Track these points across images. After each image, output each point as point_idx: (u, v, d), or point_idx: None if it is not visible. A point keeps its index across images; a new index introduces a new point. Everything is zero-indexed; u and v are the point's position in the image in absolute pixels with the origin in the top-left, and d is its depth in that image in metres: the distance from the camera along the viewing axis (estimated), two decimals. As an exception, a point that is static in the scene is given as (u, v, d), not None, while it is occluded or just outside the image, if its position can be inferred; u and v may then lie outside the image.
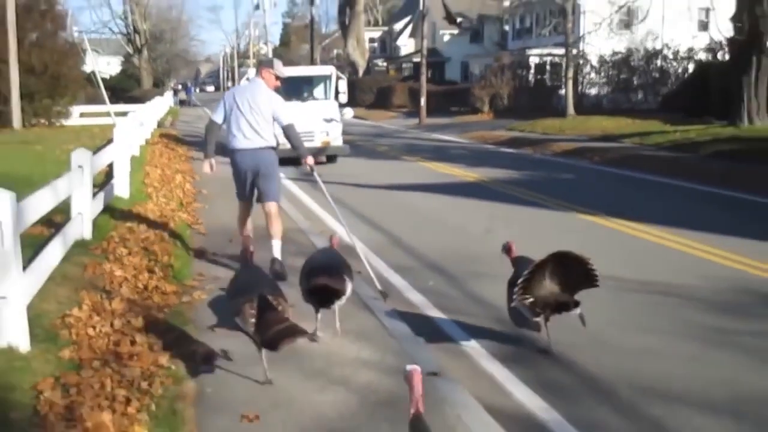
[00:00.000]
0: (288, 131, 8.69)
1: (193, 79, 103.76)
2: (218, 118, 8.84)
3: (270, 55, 52.01)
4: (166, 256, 8.99)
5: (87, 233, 9.27)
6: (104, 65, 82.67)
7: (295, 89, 21.82)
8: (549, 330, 6.31)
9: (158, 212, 11.81)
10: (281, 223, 9.05)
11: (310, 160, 8.91)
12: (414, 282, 8.73)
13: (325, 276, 6.38)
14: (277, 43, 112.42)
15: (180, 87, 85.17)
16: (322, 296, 6.43)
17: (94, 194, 10.21)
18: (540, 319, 6.19)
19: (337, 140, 20.49)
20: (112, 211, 11.17)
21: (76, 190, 8.90)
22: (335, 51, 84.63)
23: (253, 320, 5.44)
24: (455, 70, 64.35)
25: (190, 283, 8.15)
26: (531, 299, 6.01)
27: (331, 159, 20.96)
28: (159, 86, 78.11)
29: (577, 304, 6.10)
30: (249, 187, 8.84)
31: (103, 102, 32.73)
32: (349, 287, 6.49)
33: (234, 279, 6.40)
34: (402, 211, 13.08)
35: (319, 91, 21.94)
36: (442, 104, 46.86)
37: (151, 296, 7.39)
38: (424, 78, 41.75)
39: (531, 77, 45.06)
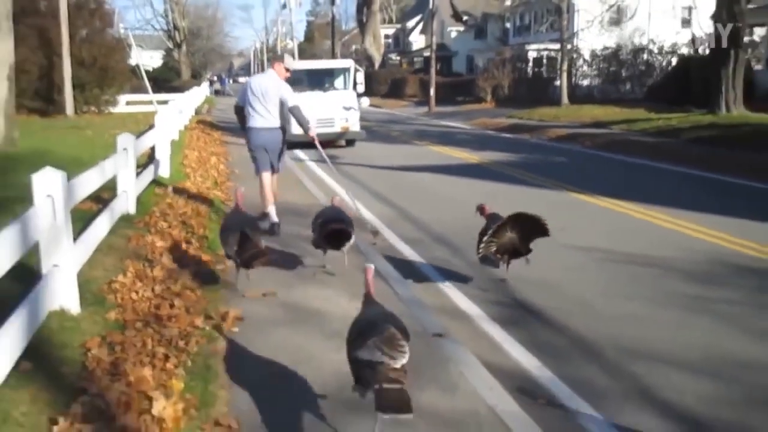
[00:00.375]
0: (293, 111, 9.54)
1: (227, 71, 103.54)
2: (240, 101, 9.85)
3: (295, 50, 51.82)
4: (201, 229, 9.00)
5: (131, 208, 9.30)
6: (147, 59, 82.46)
7: (317, 80, 21.81)
8: (508, 267, 7.25)
9: (195, 190, 11.83)
10: (277, 188, 10.14)
11: (312, 132, 9.80)
12: (422, 252, 8.73)
13: (338, 223, 7.26)
14: (302, 38, 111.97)
15: (215, 78, 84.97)
16: (335, 240, 7.28)
17: (138, 174, 10.23)
18: (501, 261, 7.16)
19: (355, 126, 20.51)
20: (153, 188, 11.21)
21: (121, 170, 8.91)
22: (354, 46, 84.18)
23: (235, 247, 6.68)
24: (461, 63, 63.98)
25: (222, 253, 8.15)
26: (494, 248, 6.98)
27: (350, 143, 20.99)
28: (196, 77, 78.00)
29: (528, 251, 7.02)
30: (265, 157, 9.78)
31: (146, 91, 32.86)
32: (353, 234, 7.39)
33: (224, 218, 7.66)
34: (412, 190, 13.05)
35: (339, 82, 21.92)
36: (450, 94, 46.64)
37: (189, 264, 7.41)
38: (433, 70, 41.52)
39: (529, 70, 44.79)
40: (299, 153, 19.25)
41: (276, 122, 9.67)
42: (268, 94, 9.50)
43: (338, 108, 20.25)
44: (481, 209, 7.76)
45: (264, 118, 9.56)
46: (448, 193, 12.02)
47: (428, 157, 18.61)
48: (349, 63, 22.14)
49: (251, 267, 6.62)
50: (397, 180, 14.48)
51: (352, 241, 7.37)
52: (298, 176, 14.33)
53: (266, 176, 9.81)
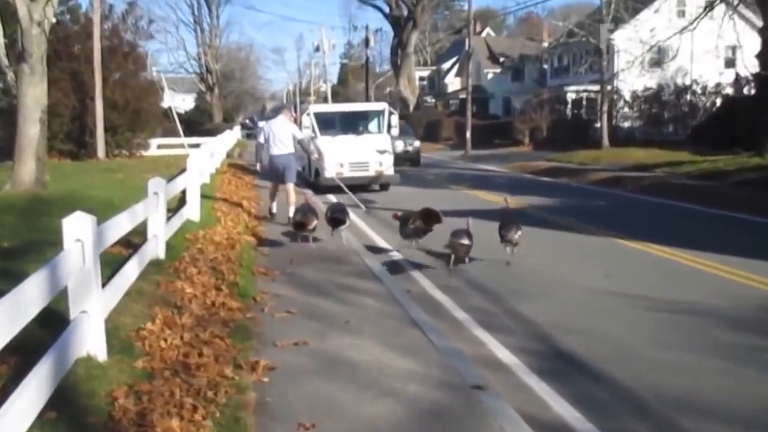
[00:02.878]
0: (300, 143, 14.77)
1: (259, 114, 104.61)
2: (261, 140, 14.75)
3: (329, 92, 52.42)
4: (232, 275, 9.02)
5: (161, 253, 9.35)
6: (180, 101, 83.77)
7: (351, 123, 22.02)
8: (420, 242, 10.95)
9: (225, 235, 11.88)
10: (294, 196, 14.32)
11: (313, 156, 17.04)
12: (459, 300, 8.66)
13: (339, 213, 11.96)
14: (336, 81, 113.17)
15: (248, 121, 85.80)
16: (337, 222, 11.83)
17: (168, 218, 10.32)
18: (412, 235, 11.31)
19: (389, 170, 20.67)
20: (184, 233, 11.27)
21: (151, 215, 8.99)
22: (388, 88, 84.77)
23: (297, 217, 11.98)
24: (498, 105, 64.11)
25: (253, 300, 8.17)
26: (412, 227, 11.07)
27: (384, 187, 21.03)
28: (228, 120, 79.01)
29: (427, 231, 11.16)
30: (279, 175, 14.37)
31: (178, 134, 33.34)
32: (348, 220, 11.99)
33: (298, 208, 12.53)
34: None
35: (373, 125, 22.13)
36: (486, 137, 46.68)
37: (218, 312, 7.40)
38: (469, 113, 41.69)
39: (568, 111, 44.74)
40: (332, 198, 19.34)
41: (289, 150, 14.30)
42: (282, 132, 14.21)
43: (372, 151, 20.46)
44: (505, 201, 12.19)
45: (281, 148, 14.19)
46: (485, 239, 11.94)
47: (464, 202, 18.57)
48: (383, 106, 22.38)
49: (305, 228, 11.69)
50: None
51: (347, 223, 11.96)
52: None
53: (274, 186, 14.81)
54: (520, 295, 8.85)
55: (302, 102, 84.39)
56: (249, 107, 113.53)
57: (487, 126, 50.13)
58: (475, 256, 10.84)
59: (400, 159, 27.55)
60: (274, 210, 14.88)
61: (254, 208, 16.09)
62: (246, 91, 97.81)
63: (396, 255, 11.49)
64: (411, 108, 61.98)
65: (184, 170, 13.84)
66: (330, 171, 19.46)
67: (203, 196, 14.71)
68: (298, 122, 15.04)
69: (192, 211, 12.90)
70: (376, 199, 18.91)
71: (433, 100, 75.93)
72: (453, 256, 10.37)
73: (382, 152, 20.51)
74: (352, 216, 15.01)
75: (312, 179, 21.29)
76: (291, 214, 13.38)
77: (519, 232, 10.78)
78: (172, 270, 8.82)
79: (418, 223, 11.24)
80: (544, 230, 13.86)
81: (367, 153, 20.36)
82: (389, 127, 21.65)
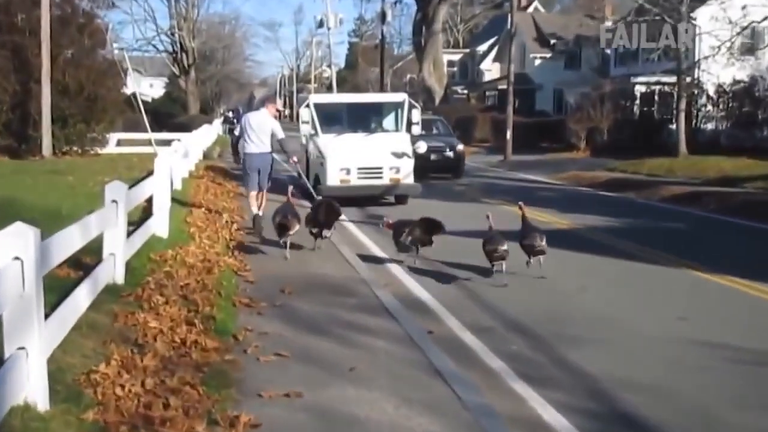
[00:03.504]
0: (281, 142, 15.52)
1: (245, 104, 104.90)
2: (237, 132, 16.45)
3: (333, 79, 52.33)
4: (208, 307, 9.03)
5: (119, 277, 9.38)
6: (146, 87, 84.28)
7: (361, 118, 22.05)
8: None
9: (201, 256, 11.94)
10: (265, 199, 15.69)
11: (295, 158, 16.36)
12: (493, 345, 8.63)
13: (285, 218, 12.96)
14: (342, 65, 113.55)
15: (231, 114, 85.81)
16: (282, 228, 12.89)
17: (130, 233, 10.36)
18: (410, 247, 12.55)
19: (408, 178, 20.67)
20: (148, 252, 11.33)
21: (108, 228, 9.02)
22: (408, 75, 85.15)
23: (278, 219, 13.03)
24: (547, 99, 64.13)
25: (234, 339, 8.18)
26: (411, 238, 12.33)
27: (401, 199, 21.00)
28: (207, 112, 79.31)
29: (426, 243, 12.49)
30: (257, 177, 15.47)
31: (144, 129, 33.41)
32: (296, 225, 12.98)
33: (278, 209, 13.43)
34: (480, 263, 13.01)
35: (389, 121, 22.17)
36: (531, 139, 46.65)
37: (190, 352, 7.40)
38: (510, 108, 41.67)
39: (636, 109, 44.64)
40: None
41: (267, 148, 15.51)
42: (261, 128, 15.31)
43: (387, 155, 20.48)
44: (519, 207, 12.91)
45: (258, 145, 15.34)
46: (528, 269, 11.92)
47: (502, 220, 18.43)
48: (401, 97, 22.39)
49: (286, 232, 12.84)
50: (461, 249, 14.42)
51: (295, 229, 12.94)
52: (335, 242, 14.37)
53: (253, 194, 15.61)
54: (569, 340, 8.84)
55: (300, 90, 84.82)
56: (233, 96, 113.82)
57: (533, 125, 50.13)
58: (507, 291, 10.84)
59: (434, 167, 28.03)
60: (256, 213, 15.52)
61: (237, 223, 16.14)
62: (229, 75, 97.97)
63: (414, 285, 11.48)
64: (437, 100, 61.92)
65: (150, 174, 13.91)
66: (333, 178, 19.52)
67: (174, 207, 14.78)
68: (281, 117, 15.78)
69: (159, 225, 12.95)
70: (389, 213, 18.86)
71: (465, 92, 76.18)
72: (495, 265, 11.66)
73: (399, 156, 20.52)
74: (363, 238, 15.12)
75: (310, 187, 21.32)
76: (254, 215, 15.32)
77: (544, 239, 11.95)
78: (133, 298, 8.85)
79: (416, 234, 12.35)
80: (601, 258, 13.84)
81: (380, 156, 20.40)
82: (410, 124, 21.67)
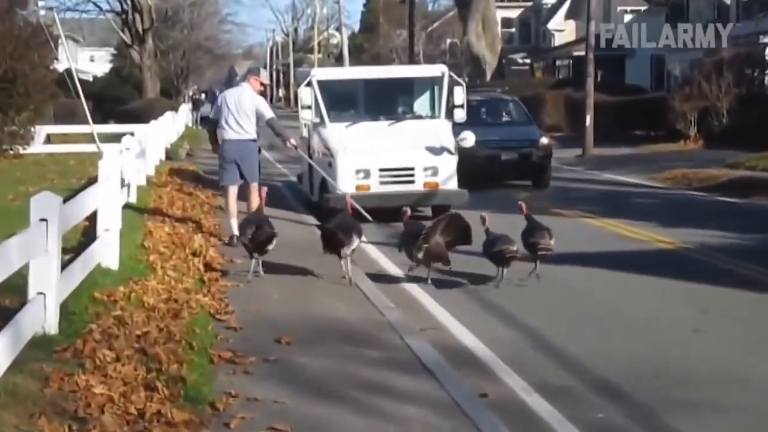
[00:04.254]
0: (270, 123, 16.67)
1: (224, 83, 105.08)
2: (214, 116, 17.01)
3: (344, 46, 52.54)
4: (175, 365, 8.93)
5: (52, 326, 9.28)
6: (85, 61, 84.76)
7: (384, 101, 21.99)
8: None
9: (165, 294, 11.85)
10: (257, 198, 15.78)
11: (293, 141, 17.81)
12: (572, 411, 8.56)
13: (262, 233, 13.64)
14: (357, 27, 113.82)
15: (203, 97, 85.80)
16: (259, 246, 13.63)
17: (65, 264, 10.29)
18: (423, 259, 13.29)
19: (449, 182, 20.65)
20: (92, 290, 11.25)
21: (36, 258, 8.94)
22: (448, 41, 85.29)
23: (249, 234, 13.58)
24: (641, 69, 63.85)
25: (212, 409, 8.08)
26: (426, 246, 12.94)
27: (439, 210, 20.81)
28: (171, 95, 79.60)
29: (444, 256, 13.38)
30: (235, 170, 16.48)
31: (83, 119, 33.41)
32: (274, 241, 13.63)
33: (248, 218, 14.68)
34: (552, 298, 12.90)
35: (421, 103, 22.17)
36: (620, 125, 46.56)
37: (150, 428, 7.32)
38: (591, 83, 41.47)
39: (768, 81, 44.44)
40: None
41: (249, 135, 16.44)
42: (243, 109, 16.19)
43: (419, 150, 20.50)
44: (520, 208, 14.09)
45: (237, 131, 16.25)
46: (619, 306, 11.88)
47: (580, 238, 18.48)
48: (439, 70, 22.31)
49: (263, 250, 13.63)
50: (530, 282, 14.37)
51: (272, 244, 13.65)
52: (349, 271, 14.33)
53: (233, 190, 16.77)
54: (680, 406, 8.75)
55: (299, 63, 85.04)
56: (207, 72, 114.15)
57: (623, 106, 49.78)
58: (590, 338, 10.76)
59: (505, 171, 28.23)
60: (234, 230, 16.10)
61: (214, 246, 16.12)
62: (201, 44, 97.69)
63: (460, 332, 11.39)
64: (489, 73, 61.96)
65: (93, 181, 13.87)
66: (346, 184, 19.41)
67: (127, 226, 14.74)
68: (268, 95, 16.14)
69: (107, 252, 12.87)
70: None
71: (527, 61, 76.32)
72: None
73: (437, 151, 20.52)
74: (385, 262, 15.09)
75: (316, 198, 21.24)
76: (233, 230, 16.18)
77: (553, 239, 13.53)
78: (71, 354, 8.74)
79: (434, 243, 13.01)
80: (722, 289, 13.71)
81: (411, 152, 20.46)
82: (451, 107, 21.63)
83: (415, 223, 13.57)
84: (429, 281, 13.36)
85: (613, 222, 20.67)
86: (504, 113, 30.79)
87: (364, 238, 14.21)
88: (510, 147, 27.88)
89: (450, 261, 13.20)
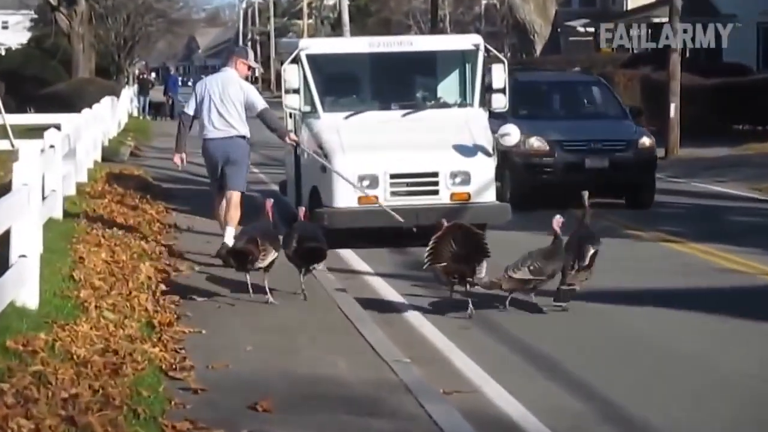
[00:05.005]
0: (263, 115, 17.60)
1: (180, 61, 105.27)
2: (190, 110, 17.71)
3: (345, 10, 52.37)
4: (112, 438, 8.99)
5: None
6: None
7: (396, 84, 22.01)
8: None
9: (101, 342, 11.84)
10: (239, 211, 17.31)
11: (292, 136, 18.84)
12: None
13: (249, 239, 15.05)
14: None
15: (153, 77, 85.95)
16: (239, 257, 14.95)
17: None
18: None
19: (485, 193, 20.73)
20: (2, 337, 11.25)
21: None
22: (482, 2, 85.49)
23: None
24: (744, 43, 63.86)
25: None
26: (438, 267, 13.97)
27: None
28: (111, 74, 79.72)
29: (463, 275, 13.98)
30: (220, 175, 17.35)
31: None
32: (272, 253, 14.81)
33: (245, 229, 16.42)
34: (623, 350, 12.97)
35: (448, 87, 22.21)
36: (715, 116, 46.61)
37: None
38: (676, 59, 41.55)
39: None
40: (349, 256, 19.40)
41: (238, 131, 17.48)
42: (230, 98, 17.21)
43: (446, 150, 20.54)
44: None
45: (223, 127, 17.26)
46: (712, 362, 11.89)
47: (662, 268, 18.50)
48: (471, 42, 22.35)
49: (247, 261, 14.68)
50: (583, 324, 14.43)
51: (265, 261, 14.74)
52: (347, 313, 14.37)
53: (219, 196, 17.85)
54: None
55: (283, 33, 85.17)
56: (158, 44, 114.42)
57: (719, 90, 49.88)
58: (678, 406, 10.82)
59: (591, 182, 23.37)
60: (229, 239, 17.09)
61: (167, 278, 16.15)
62: (151, 7, 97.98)
63: (493, 387, 11.46)
64: (540, 45, 62.10)
65: (5, 191, 13.91)
66: (345, 195, 19.42)
67: (50, 252, 14.77)
68: (252, 78, 16.62)
69: (23, 286, 12.90)
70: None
71: (591, 29, 76.44)
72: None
73: (469, 152, 20.54)
74: (398, 300, 15.18)
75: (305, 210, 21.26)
76: (227, 239, 17.08)
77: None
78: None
79: (444, 265, 14.09)
80: None
81: (433, 153, 20.53)
82: (487, 91, 21.74)
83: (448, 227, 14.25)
84: (469, 314, 14.13)
85: (705, 248, 20.76)
86: (586, 101, 30.17)
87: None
88: (597, 150, 26.66)
89: (474, 273, 13.86)
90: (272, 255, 14.56)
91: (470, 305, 14.03)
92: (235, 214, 17.13)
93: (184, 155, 18.09)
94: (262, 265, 14.45)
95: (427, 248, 13.93)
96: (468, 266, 13.59)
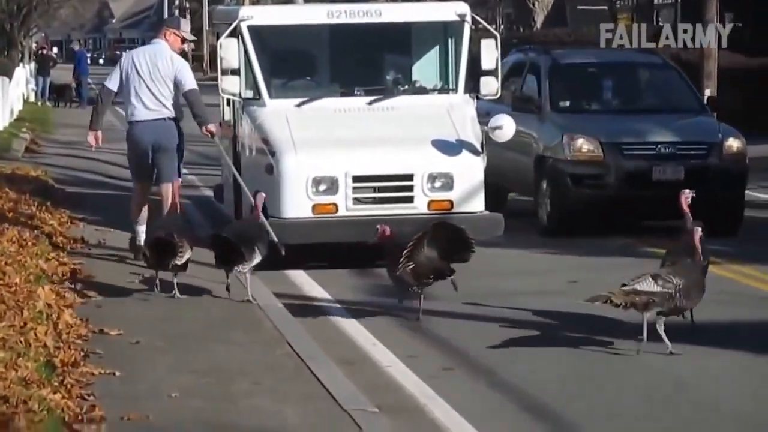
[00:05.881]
0: (190, 97, 18.36)
1: (87, 33, 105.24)
2: (113, 84, 18.75)
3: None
4: None
5: None
6: None
7: (361, 63, 22.06)
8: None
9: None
10: (176, 205, 17.39)
11: (211, 127, 19.00)
12: None
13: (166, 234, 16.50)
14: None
15: (55, 53, 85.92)
16: (161, 255, 16.10)
17: None
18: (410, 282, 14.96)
19: (472, 200, 20.83)
20: None
21: None
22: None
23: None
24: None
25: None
26: (411, 267, 14.92)
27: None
28: (2, 50, 79.79)
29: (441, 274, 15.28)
30: (149, 164, 18.43)
31: None
32: (187, 254, 16.11)
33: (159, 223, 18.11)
34: (652, 402, 13.10)
35: (426, 68, 22.24)
36: (755, 103, 46.81)
37: None
38: (712, 33, 41.65)
39: None
40: (302, 280, 19.51)
41: (168, 112, 18.29)
42: (160, 75, 18.04)
43: (423, 146, 20.65)
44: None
45: (152, 107, 18.09)
46: (759, 415, 11.97)
47: (705, 302, 18.65)
48: (454, 11, 22.33)
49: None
50: (604, 371, 14.57)
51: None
52: (299, 351, 14.42)
53: (141, 189, 19.15)
54: None
55: (218, 1, 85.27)
56: (60, 11, 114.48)
57: (758, 73, 50.11)
58: None
59: (662, 197, 22.20)
60: (142, 238, 17.90)
61: (71, 306, 16.18)
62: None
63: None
64: (540, 17, 62.44)
65: None
66: (296, 203, 19.44)
67: None
68: (186, 54, 17.52)
69: None
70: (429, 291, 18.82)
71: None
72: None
73: (453, 149, 20.68)
74: (356, 327, 15.28)
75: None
76: (140, 238, 18.41)
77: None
78: None
79: (424, 257, 14.83)
80: None
81: (406, 150, 20.65)
82: (476, 72, 21.86)
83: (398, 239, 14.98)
84: (419, 317, 15.04)
85: (750, 270, 20.91)
86: (651, 91, 28.92)
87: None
88: (669, 156, 25.06)
89: (453, 270, 14.79)
90: (188, 253, 15.46)
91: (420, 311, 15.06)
92: (171, 200, 17.42)
93: (99, 133, 18.76)
94: (179, 262, 15.28)
95: (404, 252, 14.56)
96: (447, 264, 14.60)
